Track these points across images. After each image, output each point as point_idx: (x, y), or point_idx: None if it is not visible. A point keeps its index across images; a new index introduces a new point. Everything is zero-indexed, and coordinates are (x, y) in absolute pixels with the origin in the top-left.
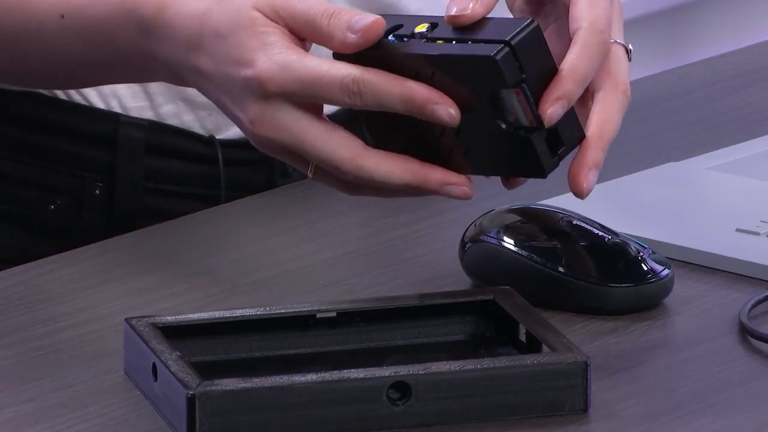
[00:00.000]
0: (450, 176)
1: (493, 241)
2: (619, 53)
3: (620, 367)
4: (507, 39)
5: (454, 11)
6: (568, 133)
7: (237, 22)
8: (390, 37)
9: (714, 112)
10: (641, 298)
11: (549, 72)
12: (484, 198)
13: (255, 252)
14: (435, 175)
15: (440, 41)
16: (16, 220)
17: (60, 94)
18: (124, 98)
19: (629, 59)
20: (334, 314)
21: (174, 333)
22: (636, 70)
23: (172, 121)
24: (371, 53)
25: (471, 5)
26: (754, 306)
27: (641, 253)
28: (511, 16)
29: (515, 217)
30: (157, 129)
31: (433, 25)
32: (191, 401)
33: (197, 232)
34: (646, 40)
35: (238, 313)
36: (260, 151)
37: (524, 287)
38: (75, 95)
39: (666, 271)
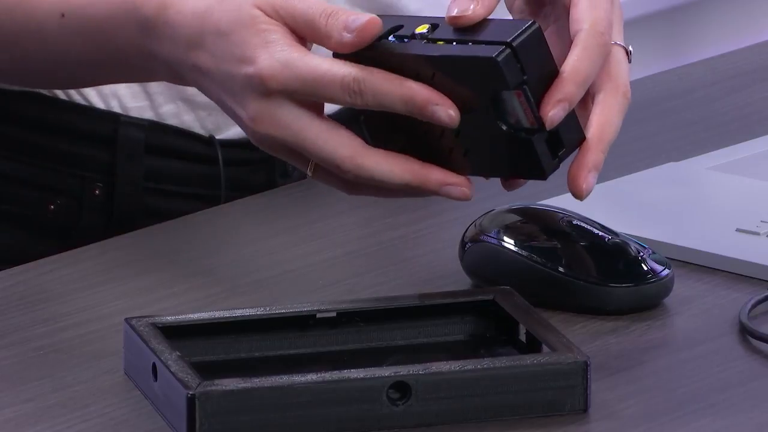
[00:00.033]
0: (449, 177)
1: (493, 241)
2: (619, 55)
3: (620, 367)
4: (508, 40)
5: (455, 12)
6: (569, 135)
7: (238, 20)
8: (391, 38)
9: (714, 112)
10: (641, 298)
11: (550, 73)
12: (484, 198)
13: (255, 252)
14: (435, 175)
15: (441, 42)
16: (16, 220)
17: (60, 94)
18: (124, 98)
19: (629, 61)
20: (334, 314)
21: (174, 333)
22: (636, 70)
23: (172, 121)
24: (372, 53)
25: (472, 6)
26: (754, 306)
27: (641, 253)
28: (510, 17)
29: (515, 217)
30: (157, 129)
31: (434, 26)
32: (191, 401)
33: (197, 232)
34: (646, 40)
35: (238, 313)
36: (260, 152)
37: (524, 287)
38: (75, 95)
39: (666, 271)
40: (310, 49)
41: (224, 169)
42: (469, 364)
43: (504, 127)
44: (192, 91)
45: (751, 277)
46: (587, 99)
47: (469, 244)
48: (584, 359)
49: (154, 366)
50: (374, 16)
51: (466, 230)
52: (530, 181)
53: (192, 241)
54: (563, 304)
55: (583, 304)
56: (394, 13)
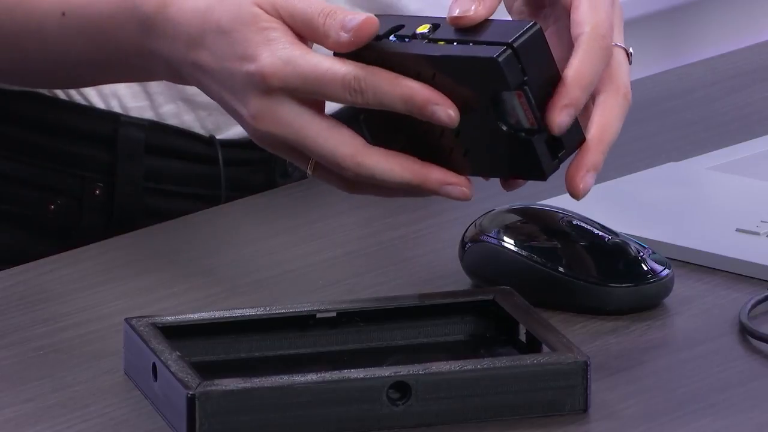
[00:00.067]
0: (449, 176)
1: (493, 241)
2: (619, 56)
3: (620, 367)
4: (509, 41)
5: (456, 12)
6: (569, 137)
7: (239, 18)
8: (392, 38)
9: (714, 112)
10: (641, 298)
11: (551, 74)
12: (484, 198)
13: (255, 252)
14: (435, 174)
15: (442, 42)
16: (16, 220)
17: (60, 94)
18: (124, 98)
19: (630, 62)
20: (334, 314)
21: (174, 333)
22: (636, 70)
23: (172, 121)
24: (373, 52)
25: (473, 7)
26: (754, 306)
27: (641, 253)
28: (509, 18)
29: (515, 217)
30: (157, 129)
31: (435, 26)
32: (191, 401)
33: (197, 232)
34: (646, 40)
35: (238, 313)
36: (260, 152)
37: (524, 287)
38: (75, 95)
39: (666, 271)
40: (311, 48)
41: (224, 169)
42: (469, 364)
43: (504, 128)
44: (192, 91)
45: (751, 277)
46: (588, 100)
47: (469, 244)
48: (584, 359)
49: (154, 366)
50: (371, 15)
51: (466, 230)
52: (530, 182)
53: (192, 241)
54: (563, 304)
55: (583, 304)
56: (394, 13)
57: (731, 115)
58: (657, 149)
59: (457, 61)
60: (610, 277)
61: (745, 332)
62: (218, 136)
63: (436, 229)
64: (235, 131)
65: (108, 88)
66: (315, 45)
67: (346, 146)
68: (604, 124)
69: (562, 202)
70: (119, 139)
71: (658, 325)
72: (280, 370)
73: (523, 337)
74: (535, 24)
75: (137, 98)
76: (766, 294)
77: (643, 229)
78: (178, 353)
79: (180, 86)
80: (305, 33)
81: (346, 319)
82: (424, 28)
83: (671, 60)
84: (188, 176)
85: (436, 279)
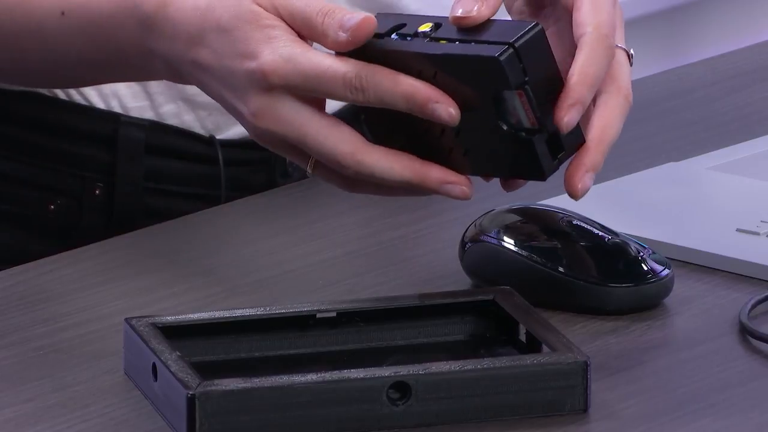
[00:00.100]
0: (449, 175)
1: (493, 241)
2: (621, 58)
3: (620, 367)
4: (511, 41)
5: (459, 13)
6: (570, 139)
7: (240, 16)
8: (394, 36)
9: (714, 112)
10: (641, 298)
11: (552, 75)
12: (484, 198)
13: (255, 252)
14: (435, 173)
15: (444, 41)
16: (16, 220)
17: (60, 94)
18: (124, 98)
19: (630, 64)
20: (334, 314)
21: (174, 333)
22: (636, 70)
23: (172, 121)
24: (375, 50)
25: (476, 7)
26: (754, 306)
27: (641, 253)
28: (509, 18)
29: (515, 217)
30: (157, 129)
31: (437, 25)
32: (191, 401)
33: (197, 232)
34: (646, 40)
35: (238, 313)
36: (261, 152)
37: (524, 287)
38: (75, 95)
39: (666, 271)
40: (311, 46)
41: (224, 169)
42: (469, 364)
43: (505, 127)
44: (192, 90)
45: (751, 277)
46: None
47: (469, 244)
48: (584, 359)
49: (154, 366)
50: (369, 15)
51: (466, 230)
52: (530, 182)
53: (192, 241)
54: (563, 304)
55: (583, 304)
56: (395, 12)
57: (731, 115)
58: (657, 149)
59: (458, 59)
60: (610, 277)
61: (745, 332)
62: (218, 136)
63: (436, 229)
64: (235, 131)
65: (108, 88)
66: (315, 44)
67: (346, 144)
68: (604, 124)
69: (562, 202)
70: (119, 139)
71: (658, 325)
72: (280, 370)
73: (523, 337)
74: (537, 24)
75: (137, 98)
76: (766, 294)
77: (643, 229)
78: (178, 353)
79: (180, 86)
80: (304, 32)
81: (346, 319)
82: (426, 27)
83: (671, 60)
84: (188, 176)
85: (436, 279)
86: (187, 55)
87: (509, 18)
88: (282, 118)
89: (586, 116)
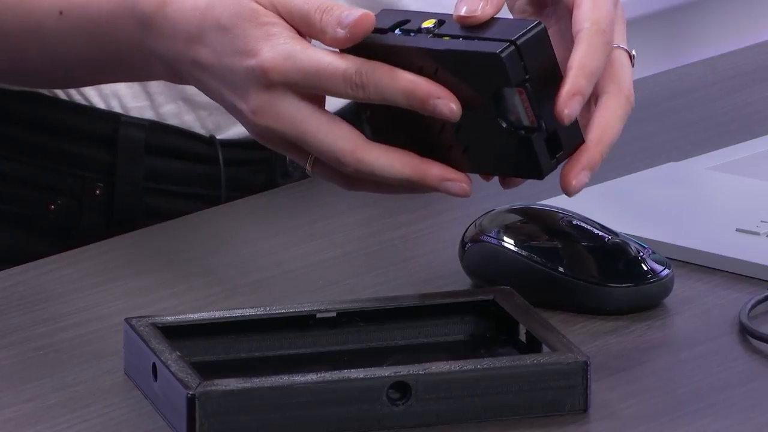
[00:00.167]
0: (449, 172)
1: (493, 241)
2: (622, 58)
3: (620, 367)
4: (513, 38)
5: (463, 11)
6: (568, 138)
7: (239, 15)
8: (397, 31)
9: (714, 112)
10: (641, 298)
11: (553, 74)
12: (484, 198)
13: (255, 252)
14: (434, 170)
15: (446, 38)
16: (16, 220)
17: (60, 94)
18: (124, 98)
19: (632, 65)
20: (334, 314)
21: (174, 333)
22: (636, 70)
23: (172, 121)
24: (377, 46)
25: (480, 6)
26: (754, 306)
27: (641, 253)
28: (511, 17)
29: (515, 217)
30: (157, 129)
31: (441, 22)
32: (191, 401)
33: (197, 232)
34: (646, 40)
35: (238, 313)
36: (261, 152)
37: (524, 287)
38: (75, 95)
39: (666, 271)
40: (310, 43)
41: (225, 169)
42: (469, 364)
43: (504, 125)
44: (192, 90)
45: (751, 277)
46: (590, 101)
47: (469, 244)
48: (584, 359)
49: (154, 366)
50: (368, 12)
51: (466, 230)
52: (530, 181)
53: (192, 241)
54: (563, 304)
55: (583, 304)
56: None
57: (731, 115)
58: (657, 149)
59: (460, 55)
60: (610, 277)
61: (745, 332)
62: (218, 136)
63: (436, 229)
64: (235, 131)
65: (108, 88)
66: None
67: (346, 141)
68: (604, 125)
69: (562, 202)
70: (119, 139)
71: (658, 325)
72: (280, 370)
73: (523, 337)
74: (539, 23)
75: (137, 98)
76: (766, 294)
77: (643, 229)
78: (178, 353)
79: (180, 86)
80: (302, 29)
81: (346, 319)
82: (429, 23)
83: (671, 60)
84: (188, 176)
85: (436, 279)
86: (187, 54)
87: (512, 17)
88: (282, 115)
89: (587, 117)
